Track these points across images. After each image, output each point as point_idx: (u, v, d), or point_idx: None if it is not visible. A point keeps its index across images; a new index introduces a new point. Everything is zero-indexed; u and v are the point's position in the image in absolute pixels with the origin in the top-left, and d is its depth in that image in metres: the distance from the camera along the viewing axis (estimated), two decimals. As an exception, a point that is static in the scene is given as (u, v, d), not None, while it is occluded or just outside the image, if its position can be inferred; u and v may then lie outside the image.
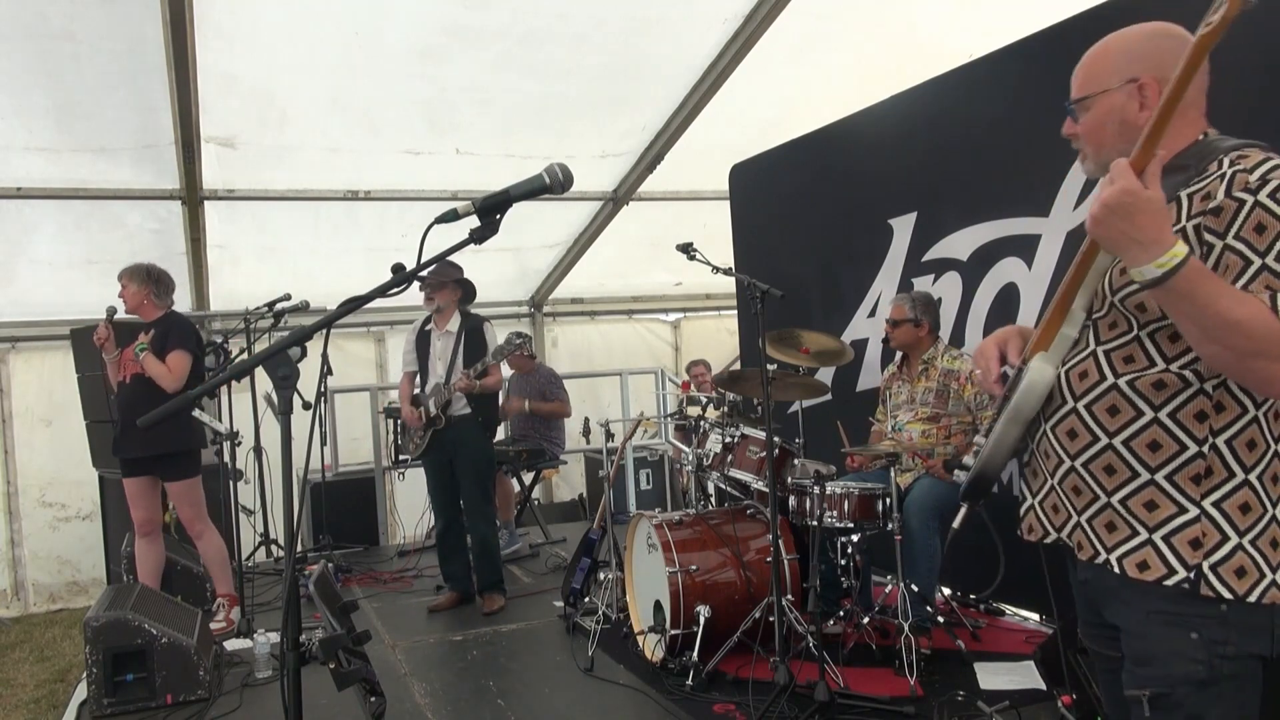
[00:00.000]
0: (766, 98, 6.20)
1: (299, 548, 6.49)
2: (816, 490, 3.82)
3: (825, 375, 5.11)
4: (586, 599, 4.65)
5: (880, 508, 3.84)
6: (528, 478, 6.85)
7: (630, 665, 3.96)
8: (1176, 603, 1.50)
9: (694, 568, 3.87)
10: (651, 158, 6.80)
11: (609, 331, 9.43)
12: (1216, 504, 1.50)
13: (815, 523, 3.82)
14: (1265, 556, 1.48)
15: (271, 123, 5.81)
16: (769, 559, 3.59)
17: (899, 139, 4.82)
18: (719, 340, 9.38)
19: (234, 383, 5.09)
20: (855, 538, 3.91)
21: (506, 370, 7.01)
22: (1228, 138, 1.57)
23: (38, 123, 5.44)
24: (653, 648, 3.95)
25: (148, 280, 4.69)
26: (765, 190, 6.00)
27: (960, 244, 4.48)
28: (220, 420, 5.95)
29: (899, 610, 3.65)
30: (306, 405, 3.14)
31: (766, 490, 3.73)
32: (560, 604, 4.80)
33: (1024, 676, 3.48)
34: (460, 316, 5.03)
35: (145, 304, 4.70)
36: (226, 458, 5.48)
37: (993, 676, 3.56)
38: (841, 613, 3.99)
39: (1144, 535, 1.53)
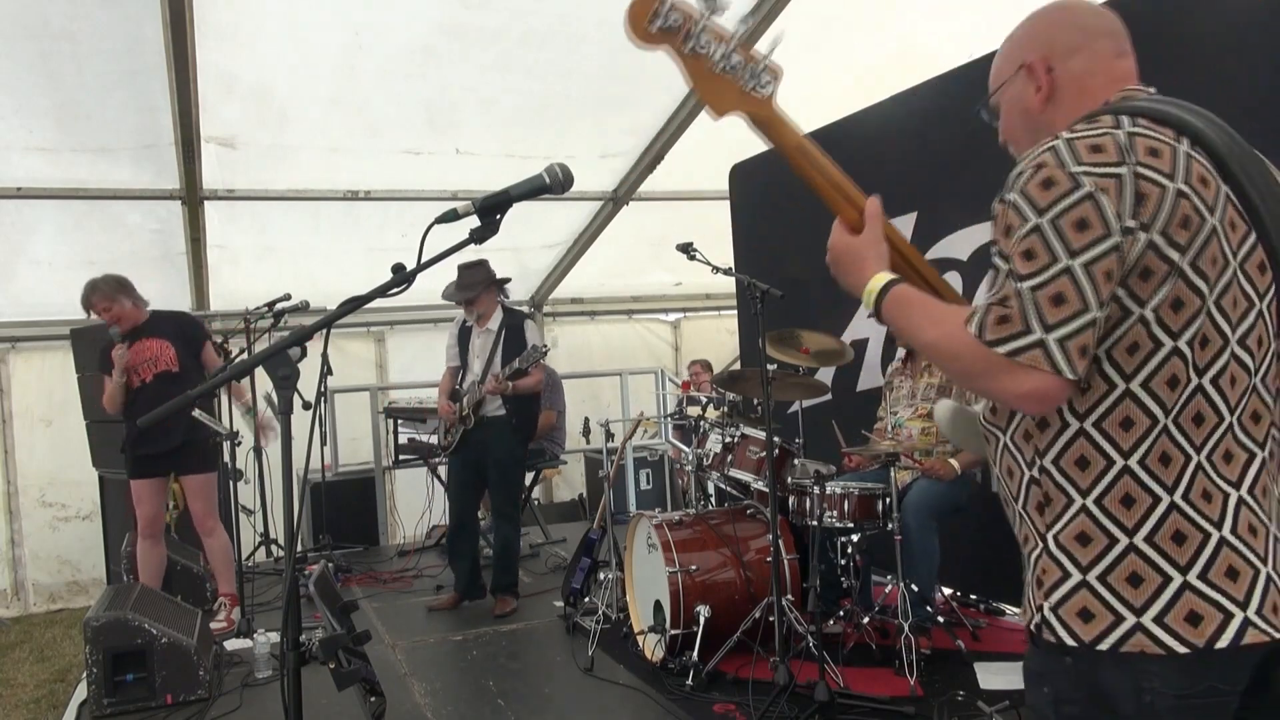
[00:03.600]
0: (766, 98, 6.19)
1: (299, 548, 6.49)
2: (816, 490, 3.82)
3: (825, 375, 5.11)
4: (586, 599, 4.65)
5: (880, 508, 3.84)
6: (528, 477, 6.85)
7: (630, 665, 3.96)
8: (1035, 649, 1.33)
9: (694, 568, 3.87)
10: (651, 158, 6.80)
11: (609, 331, 9.42)
12: (1055, 535, 1.30)
13: (815, 523, 3.83)
14: (1120, 595, 1.24)
15: (271, 123, 5.81)
16: (769, 559, 3.60)
17: (899, 139, 4.82)
18: (719, 340, 9.37)
19: (234, 383, 5.11)
20: (855, 538, 3.92)
21: None
22: (1130, 100, 1.37)
23: (38, 123, 5.44)
24: (653, 648, 3.95)
25: (122, 290, 4.71)
26: (765, 190, 6.00)
27: (960, 244, 4.48)
28: (220, 420, 5.95)
29: (899, 610, 3.65)
30: (306, 405, 3.13)
31: (766, 490, 3.73)
32: (560, 604, 4.80)
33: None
34: (502, 313, 5.01)
35: (133, 310, 4.72)
36: (226, 458, 5.48)
37: (993, 676, 3.56)
38: (841, 613, 3.99)
39: (1026, 574, 1.36)
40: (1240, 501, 1.25)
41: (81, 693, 4.03)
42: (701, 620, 3.78)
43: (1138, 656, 1.22)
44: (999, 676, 3.55)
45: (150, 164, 5.96)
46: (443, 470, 6.10)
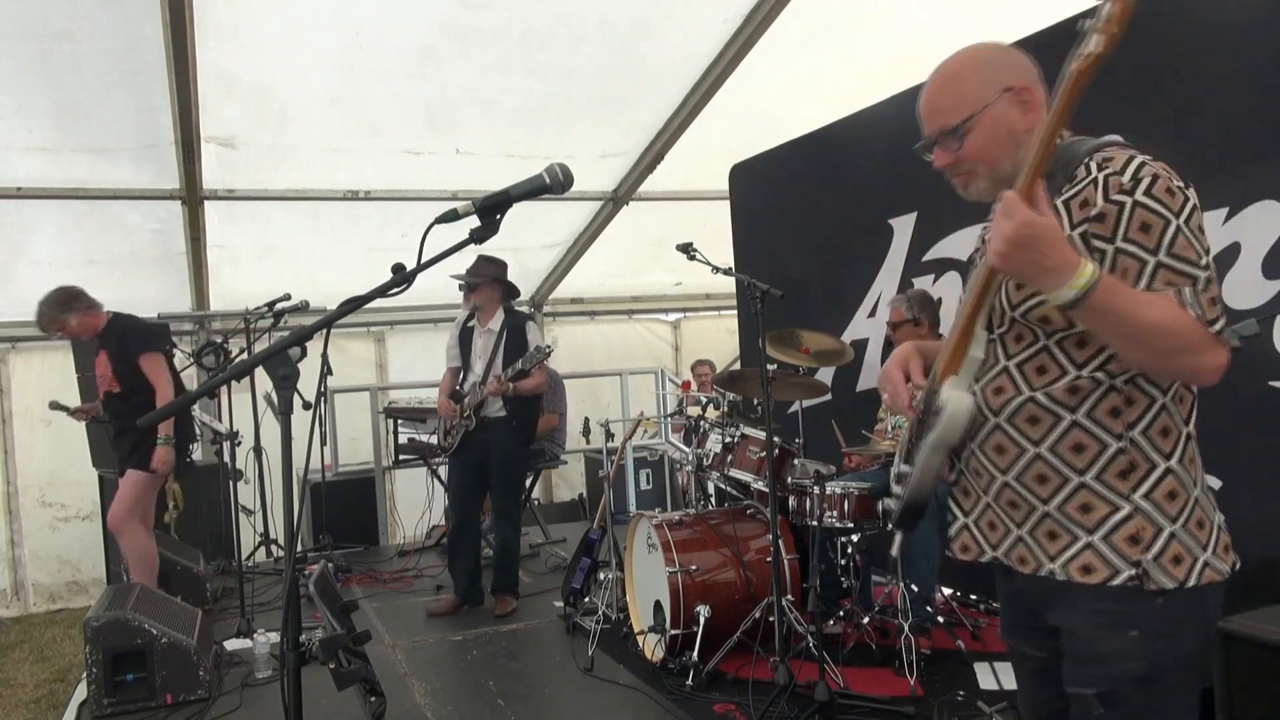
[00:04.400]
0: (766, 98, 6.19)
1: (299, 548, 6.49)
2: (816, 490, 3.82)
3: (825, 375, 5.11)
4: (586, 599, 4.65)
5: (880, 508, 3.84)
6: (527, 478, 6.85)
7: (630, 665, 3.96)
8: (1119, 601, 1.51)
9: (694, 568, 3.87)
10: (651, 158, 6.80)
11: (609, 331, 9.42)
12: (1146, 496, 1.52)
13: (815, 523, 3.83)
14: (1195, 538, 1.52)
15: (271, 123, 5.81)
16: (769, 559, 3.60)
17: (899, 139, 4.79)
18: (719, 340, 9.37)
19: (234, 383, 5.11)
20: (855, 538, 3.92)
21: None
22: (1084, 138, 1.59)
23: (38, 123, 5.44)
24: (653, 648, 3.95)
25: (65, 306, 4.58)
26: (765, 190, 6.00)
27: (960, 244, 4.48)
28: (220, 420, 5.95)
29: (899, 610, 3.65)
30: (306, 405, 3.13)
31: (766, 490, 3.73)
32: (560, 604, 4.80)
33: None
34: (504, 314, 4.98)
35: (86, 322, 4.62)
36: (226, 458, 5.49)
37: (993, 676, 3.56)
38: (841, 613, 3.99)
39: (1084, 538, 1.54)
40: None
41: (81, 693, 4.03)
42: (701, 620, 3.78)
43: (1205, 587, 1.51)
44: (999, 677, 3.55)
45: (150, 164, 5.96)
46: (443, 470, 6.10)
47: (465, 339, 5.04)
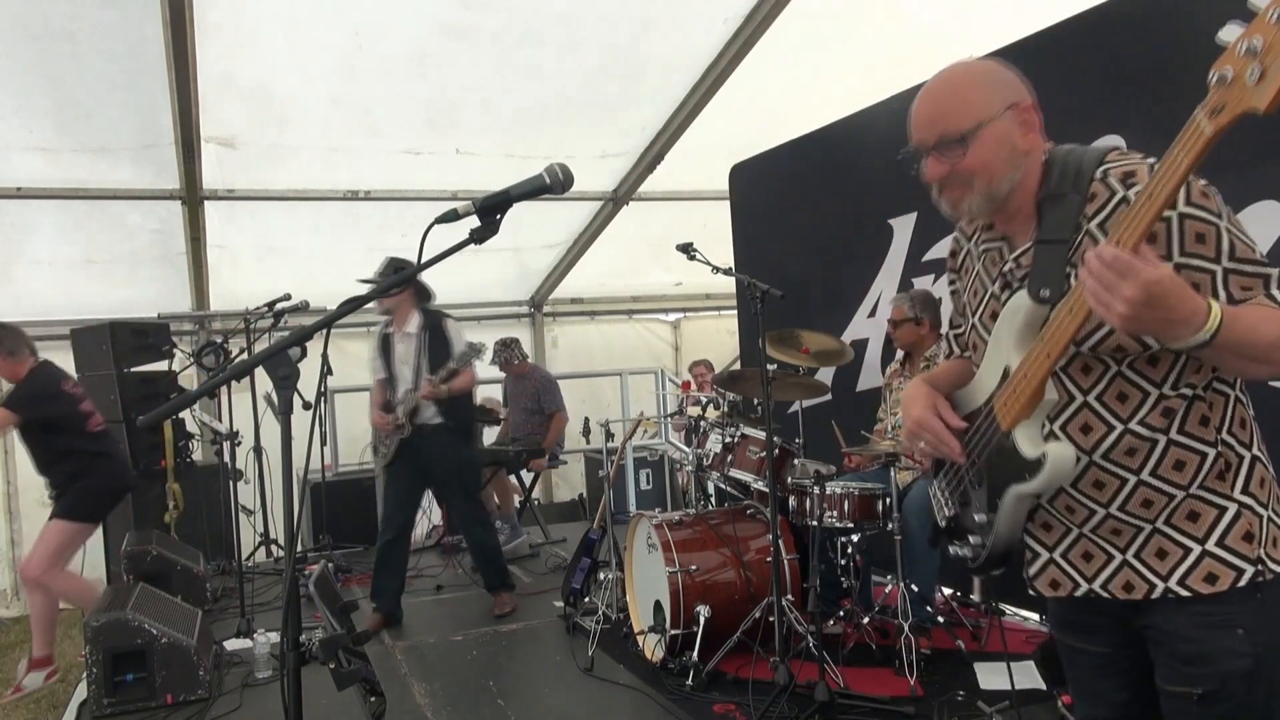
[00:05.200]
0: (766, 98, 6.20)
1: (299, 548, 6.49)
2: (816, 490, 3.82)
3: (825, 375, 5.11)
4: (586, 599, 4.65)
5: (880, 508, 3.84)
6: (527, 477, 6.86)
7: (630, 665, 3.96)
8: (1225, 602, 1.50)
9: (694, 568, 3.87)
10: (651, 158, 6.80)
11: (609, 331, 9.42)
12: (1245, 490, 1.52)
13: (815, 523, 3.83)
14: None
15: (271, 123, 5.81)
16: (769, 559, 3.60)
17: (899, 139, 4.80)
18: (719, 340, 9.37)
19: (234, 382, 5.11)
20: (855, 538, 3.92)
21: (498, 373, 7.02)
22: (1072, 146, 1.57)
23: (38, 123, 5.44)
24: (653, 648, 3.95)
25: None
26: (765, 190, 6.00)
27: (960, 244, 4.47)
28: (220, 420, 5.95)
29: (899, 610, 3.65)
30: (307, 405, 3.14)
31: (766, 490, 3.73)
32: (560, 604, 4.80)
33: (1024, 676, 3.48)
34: (420, 315, 4.78)
35: (6, 365, 4.61)
36: (226, 458, 5.49)
37: (993, 676, 3.56)
38: (841, 613, 3.99)
39: (1197, 549, 1.52)
40: None
41: (81, 693, 4.03)
42: (701, 620, 3.78)
43: None
44: (999, 676, 3.55)
45: (150, 164, 5.95)
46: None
47: (385, 347, 4.85)
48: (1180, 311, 1.32)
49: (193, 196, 6.22)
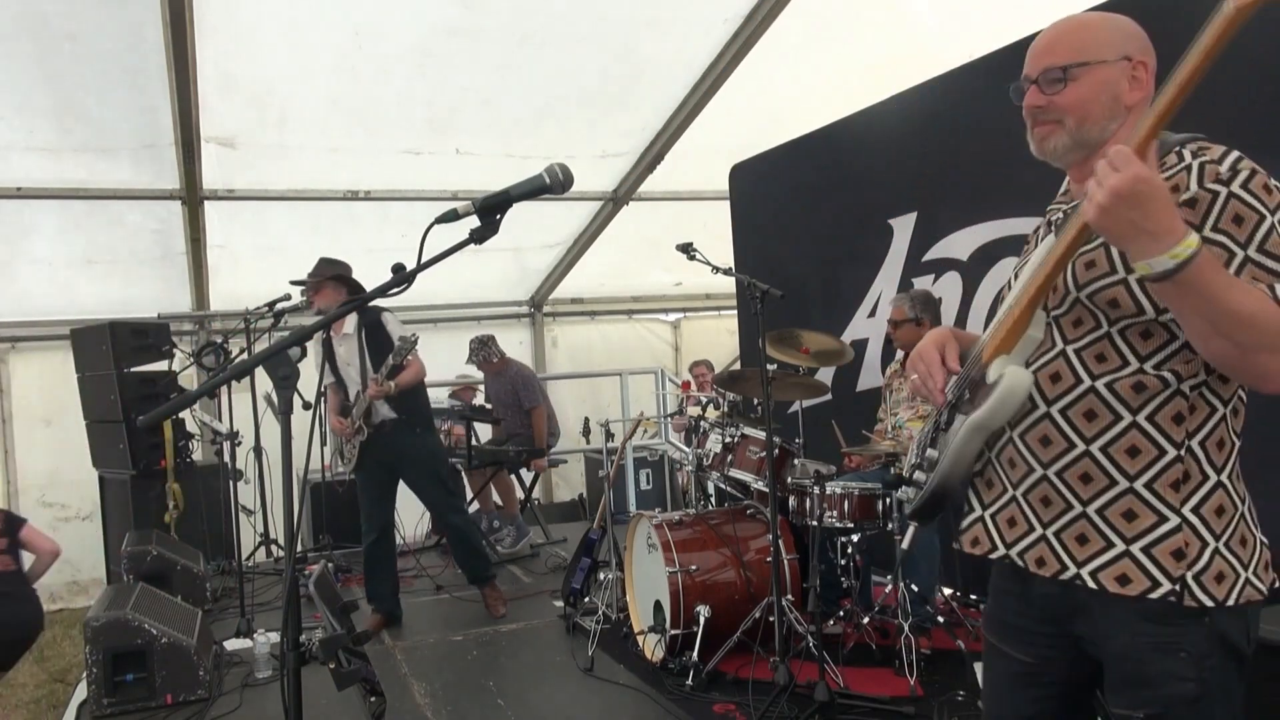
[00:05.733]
0: (766, 98, 6.20)
1: (299, 548, 6.49)
2: (816, 490, 3.82)
3: (825, 375, 5.11)
4: (586, 599, 4.65)
5: (880, 507, 3.84)
6: (527, 477, 6.86)
7: (630, 665, 3.96)
8: (1163, 623, 1.45)
9: (694, 568, 3.87)
10: (651, 158, 6.80)
11: (609, 331, 9.42)
12: (1195, 510, 1.45)
13: (815, 523, 3.82)
14: (1238, 556, 1.46)
15: (271, 123, 5.81)
16: (769, 559, 3.59)
17: (899, 139, 4.82)
18: (719, 340, 9.37)
19: (234, 382, 5.10)
20: (855, 538, 3.91)
21: (476, 372, 7.00)
22: (1166, 133, 1.51)
23: (38, 123, 5.44)
24: (653, 648, 3.95)
25: None
26: (765, 190, 6.00)
27: (960, 244, 4.48)
28: (220, 420, 5.95)
29: (899, 610, 3.65)
30: (307, 405, 3.14)
31: (766, 490, 3.73)
32: (560, 604, 4.80)
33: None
34: (355, 314, 4.62)
35: None
36: (226, 458, 5.49)
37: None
38: (841, 613, 3.99)
39: (1120, 547, 1.47)
40: None
41: (81, 693, 4.03)
42: (701, 620, 3.78)
43: (1246, 605, 1.45)
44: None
45: (150, 164, 5.96)
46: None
47: (328, 352, 4.70)
48: (1156, 221, 1.28)
49: (193, 196, 6.22)
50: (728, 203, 6.38)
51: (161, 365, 5.92)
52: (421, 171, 6.56)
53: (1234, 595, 1.44)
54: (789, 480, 4.01)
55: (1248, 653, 1.48)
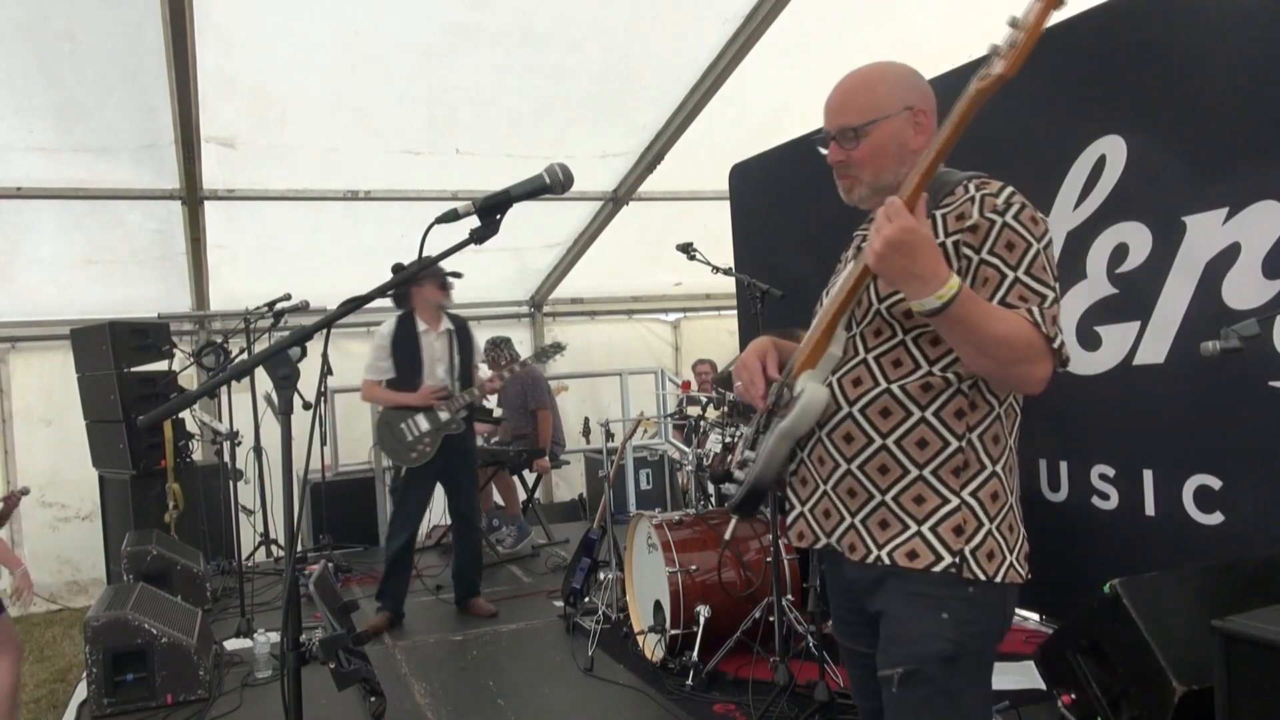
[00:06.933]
0: (766, 98, 6.19)
1: (299, 548, 6.49)
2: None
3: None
4: (586, 599, 4.65)
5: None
6: (529, 477, 6.86)
7: (630, 665, 3.96)
8: (934, 585, 1.62)
9: (694, 568, 3.87)
10: (651, 158, 6.80)
11: (609, 331, 9.42)
12: (973, 493, 1.64)
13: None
14: (1005, 540, 1.65)
15: (271, 123, 5.80)
16: (769, 559, 3.59)
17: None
18: (719, 340, 9.37)
19: (234, 382, 5.10)
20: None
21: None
22: (952, 170, 1.73)
23: (38, 123, 5.44)
24: (653, 648, 3.95)
25: None
26: (765, 190, 5.99)
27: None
28: (220, 420, 5.95)
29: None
30: (307, 405, 3.13)
31: (766, 490, 3.73)
32: (560, 604, 4.80)
33: (1024, 676, 3.48)
34: (446, 315, 4.84)
35: None
36: (226, 458, 5.49)
37: (993, 676, 3.55)
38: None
39: (914, 528, 1.64)
40: None
41: (81, 693, 4.03)
42: (701, 620, 3.78)
43: (1008, 585, 1.65)
44: (999, 676, 3.54)
45: (150, 164, 5.95)
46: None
47: (411, 344, 4.73)
48: (922, 266, 1.48)
49: (193, 196, 6.22)
50: (728, 203, 6.37)
51: (161, 365, 5.93)
52: (421, 171, 6.56)
53: (1000, 573, 1.63)
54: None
55: (1004, 628, 1.70)
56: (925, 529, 1.64)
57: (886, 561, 1.65)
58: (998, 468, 1.67)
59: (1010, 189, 1.65)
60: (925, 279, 1.48)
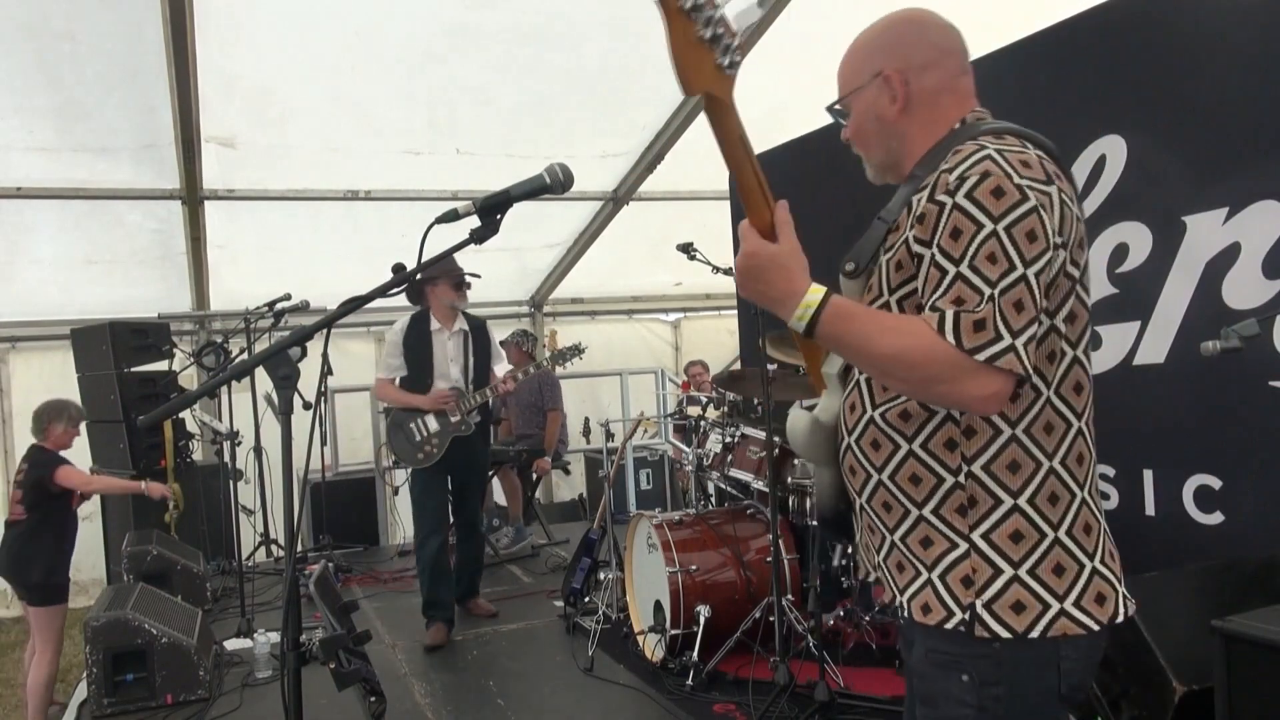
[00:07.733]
0: (767, 98, 6.19)
1: (299, 548, 6.49)
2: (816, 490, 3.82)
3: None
4: (586, 599, 4.65)
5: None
6: (531, 477, 6.87)
7: (630, 665, 3.96)
8: (950, 643, 1.39)
9: (694, 568, 3.87)
10: (651, 158, 6.80)
11: (609, 331, 9.42)
12: (985, 535, 1.38)
13: (815, 523, 3.82)
14: (1048, 585, 1.36)
15: (271, 123, 5.81)
16: (769, 559, 3.59)
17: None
18: (719, 340, 9.37)
19: (234, 382, 5.10)
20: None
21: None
22: (986, 120, 1.46)
23: (38, 123, 5.44)
24: (653, 648, 3.95)
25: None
26: (765, 190, 5.99)
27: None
28: (220, 420, 5.95)
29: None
30: (307, 405, 3.13)
31: (766, 490, 3.73)
32: (560, 604, 4.80)
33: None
34: (461, 313, 4.78)
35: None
36: (226, 458, 5.49)
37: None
38: (841, 612, 3.99)
39: (924, 575, 1.43)
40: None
41: (81, 693, 4.03)
42: (701, 620, 3.78)
43: (1060, 639, 1.35)
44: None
45: (150, 164, 5.95)
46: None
47: (424, 342, 4.66)
48: (775, 288, 1.36)
49: (193, 196, 6.22)
50: (728, 203, 6.38)
51: (161, 365, 5.93)
52: (421, 171, 6.56)
53: (1039, 627, 1.35)
54: (789, 480, 4.00)
55: (1053, 686, 1.38)
56: (935, 577, 1.41)
57: (906, 614, 1.45)
58: (1020, 501, 1.37)
59: (984, 154, 1.32)
60: (782, 300, 1.34)
